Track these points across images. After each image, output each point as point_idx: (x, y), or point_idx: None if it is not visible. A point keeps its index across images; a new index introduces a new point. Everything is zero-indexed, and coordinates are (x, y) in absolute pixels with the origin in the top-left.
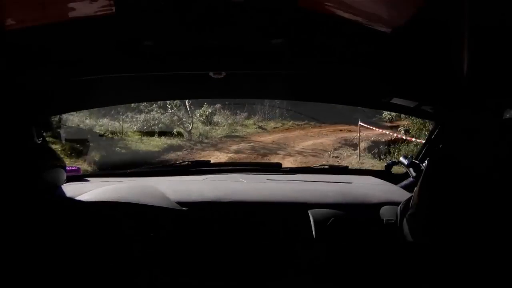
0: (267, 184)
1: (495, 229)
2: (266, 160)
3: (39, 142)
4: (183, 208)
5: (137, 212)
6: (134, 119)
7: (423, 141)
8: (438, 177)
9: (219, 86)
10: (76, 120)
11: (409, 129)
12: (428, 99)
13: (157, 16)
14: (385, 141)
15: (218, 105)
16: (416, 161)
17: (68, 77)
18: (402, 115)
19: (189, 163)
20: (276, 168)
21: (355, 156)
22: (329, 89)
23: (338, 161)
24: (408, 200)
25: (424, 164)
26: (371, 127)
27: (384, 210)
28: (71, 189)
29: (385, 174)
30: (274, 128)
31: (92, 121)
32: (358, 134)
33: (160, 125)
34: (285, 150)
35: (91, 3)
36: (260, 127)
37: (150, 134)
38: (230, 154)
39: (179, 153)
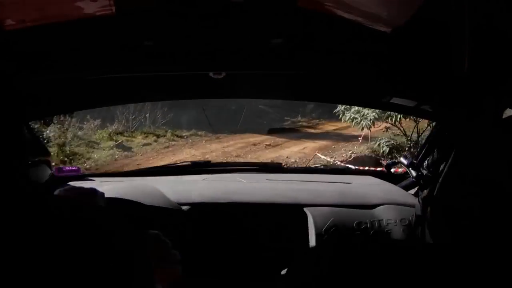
0: (266, 184)
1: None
2: None
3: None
4: (183, 208)
5: (137, 212)
6: None
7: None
8: (456, 180)
9: (219, 86)
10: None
11: None
12: (428, 98)
13: (157, 16)
14: None
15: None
16: (415, 161)
17: (68, 77)
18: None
19: (189, 163)
20: (275, 168)
21: None
22: (329, 89)
23: None
24: (425, 200)
25: (424, 165)
26: None
27: (384, 210)
28: None
29: (385, 174)
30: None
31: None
32: None
33: None
34: None
35: (90, 3)
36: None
37: None
38: None
39: None
